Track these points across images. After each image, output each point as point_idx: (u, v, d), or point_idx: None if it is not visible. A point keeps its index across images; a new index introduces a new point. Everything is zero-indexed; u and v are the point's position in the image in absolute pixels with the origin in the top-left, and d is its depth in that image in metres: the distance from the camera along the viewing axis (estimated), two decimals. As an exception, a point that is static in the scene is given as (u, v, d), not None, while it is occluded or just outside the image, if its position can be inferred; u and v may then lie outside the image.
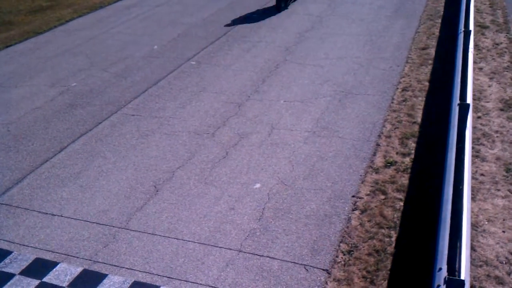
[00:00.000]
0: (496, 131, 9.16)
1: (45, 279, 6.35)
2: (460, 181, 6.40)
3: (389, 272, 6.24)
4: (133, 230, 7.20)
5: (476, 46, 12.89)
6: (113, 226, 7.30)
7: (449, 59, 11.62)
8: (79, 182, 8.40)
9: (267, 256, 6.59)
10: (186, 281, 6.25)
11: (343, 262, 6.43)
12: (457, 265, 5.19)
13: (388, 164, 8.39)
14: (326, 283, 6.13)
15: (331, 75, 11.89)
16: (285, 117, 10.08)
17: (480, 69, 11.78)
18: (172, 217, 7.41)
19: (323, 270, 6.33)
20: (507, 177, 7.89)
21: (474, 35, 12.57)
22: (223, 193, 7.89)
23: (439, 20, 15.44)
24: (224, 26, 15.97)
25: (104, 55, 14.05)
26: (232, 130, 9.68)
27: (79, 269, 6.50)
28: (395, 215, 7.21)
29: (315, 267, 6.37)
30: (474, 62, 11.76)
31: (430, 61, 12.47)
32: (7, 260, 6.71)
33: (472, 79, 9.81)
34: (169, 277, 6.31)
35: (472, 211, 7.01)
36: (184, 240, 6.96)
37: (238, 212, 7.45)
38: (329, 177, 8.15)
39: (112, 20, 17.48)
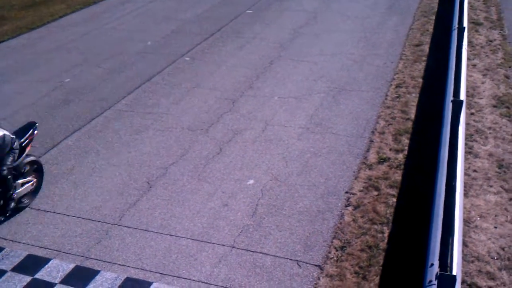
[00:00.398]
0: (489, 128, 9.19)
1: (37, 276, 6.33)
2: (452, 177, 6.42)
3: (381, 267, 6.25)
4: (126, 227, 7.18)
5: (469, 43, 12.91)
6: (106, 223, 7.29)
7: (443, 55, 11.63)
8: (71, 178, 8.37)
9: (260, 252, 6.59)
10: (178, 277, 6.25)
11: (335, 258, 6.44)
12: (449, 261, 5.21)
13: (382, 160, 8.41)
14: (319, 278, 6.14)
15: (325, 72, 11.89)
16: (279, 113, 10.08)
17: (474, 65, 11.81)
18: (165, 213, 7.40)
19: (316, 266, 6.33)
20: (500, 173, 7.92)
21: (468, 32, 12.58)
22: (217, 189, 7.88)
23: (433, 17, 15.46)
24: (218, 22, 15.93)
25: (97, 51, 14.00)
26: (226, 126, 9.67)
27: (72, 266, 6.48)
28: (388, 211, 7.22)
29: (307, 263, 6.38)
30: (468, 59, 11.77)
31: (424, 58, 12.48)
32: (-1, 257, 6.69)
33: (466, 76, 9.83)
34: (161, 273, 6.31)
35: (464, 207, 7.03)
36: (177, 236, 6.95)
37: (232, 208, 7.44)
38: (323, 173, 8.16)
39: (106, 16, 17.42)
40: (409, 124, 9.47)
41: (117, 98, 11.09)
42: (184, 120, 9.98)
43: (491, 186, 7.63)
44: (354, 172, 8.16)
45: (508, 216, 6.99)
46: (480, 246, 6.49)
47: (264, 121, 9.80)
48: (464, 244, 6.44)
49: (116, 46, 14.28)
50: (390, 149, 8.71)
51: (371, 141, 8.99)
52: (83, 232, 7.11)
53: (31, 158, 7.65)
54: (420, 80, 11.30)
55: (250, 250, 6.63)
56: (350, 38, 13.97)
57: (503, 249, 6.44)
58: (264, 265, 6.37)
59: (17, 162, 7.22)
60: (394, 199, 7.47)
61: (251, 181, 8.04)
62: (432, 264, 4.89)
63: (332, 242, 6.72)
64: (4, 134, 6.89)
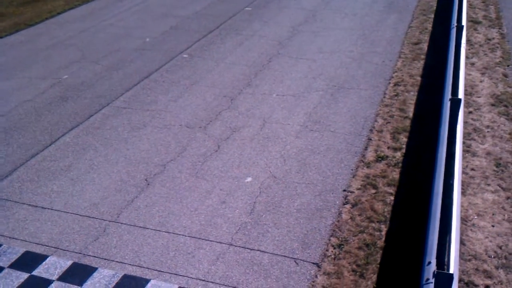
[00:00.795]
0: (487, 126, 9.19)
1: (35, 273, 6.33)
2: (450, 176, 6.43)
3: (379, 265, 6.26)
4: (123, 224, 7.18)
5: (468, 41, 12.92)
6: (104, 220, 7.28)
7: (442, 54, 11.63)
8: (69, 175, 8.37)
9: (258, 250, 6.59)
10: (176, 274, 6.25)
11: (333, 256, 6.45)
12: (446, 259, 5.22)
13: (380, 158, 8.41)
14: (316, 276, 6.14)
15: (323, 69, 11.88)
16: (277, 111, 10.08)
17: (472, 64, 11.81)
18: (163, 211, 7.40)
19: (313, 263, 6.34)
20: (497, 172, 7.93)
21: (466, 30, 12.59)
22: (215, 187, 7.88)
23: (432, 15, 15.46)
24: (217, 19, 15.91)
25: (96, 48, 13.98)
26: (224, 124, 9.67)
27: (69, 263, 6.48)
28: (386, 209, 7.23)
29: (305, 261, 6.38)
30: (466, 57, 11.78)
31: (423, 56, 12.48)
32: (-4, 253, 6.69)
33: (464, 74, 9.83)
34: (159, 271, 6.31)
35: (462, 206, 7.04)
36: (175, 233, 6.95)
37: (229, 206, 7.44)
38: (321, 171, 8.16)
39: (104, 12, 17.38)
40: (407, 123, 9.47)
41: (115, 95, 11.07)
42: (182, 117, 9.97)
43: (488, 185, 7.64)
44: (352, 170, 8.16)
45: (506, 215, 7.00)
46: (478, 245, 6.50)
47: (262, 118, 9.80)
48: (462, 243, 6.45)
49: (114, 43, 14.26)
50: (388, 147, 8.72)
51: (369, 139, 8.99)
52: (80, 229, 7.11)
53: None
54: (419, 78, 11.30)
55: (247, 248, 6.63)
56: (348, 36, 13.97)
57: (500, 247, 6.45)
58: (262, 263, 6.38)
59: None
60: (392, 197, 7.48)
61: (249, 179, 8.04)
62: (430, 262, 4.89)
63: (329, 240, 6.72)
64: None
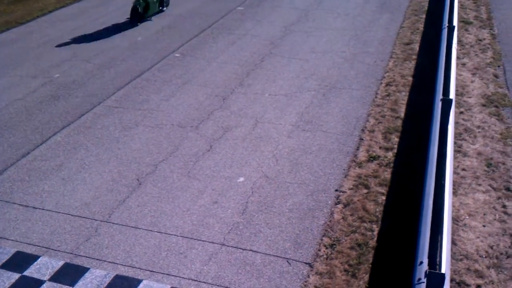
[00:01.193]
0: (478, 127, 9.25)
1: (26, 273, 6.29)
2: (442, 176, 6.47)
3: (371, 265, 6.28)
4: (115, 224, 7.15)
5: (459, 41, 12.98)
6: (95, 220, 7.25)
7: (433, 54, 11.68)
8: (60, 174, 8.32)
9: (250, 250, 6.59)
10: (168, 274, 6.24)
11: (325, 256, 6.46)
12: (438, 259, 5.25)
13: (371, 158, 8.44)
14: (309, 276, 6.16)
15: (316, 69, 11.90)
16: (270, 110, 10.08)
17: (463, 64, 11.87)
18: (155, 211, 7.38)
19: (306, 263, 6.35)
20: (488, 172, 7.98)
21: (457, 30, 12.64)
22: (207, 187, 7.87)
23: (424, 16, 15.52)
24: (209, 18, 15.89)
25: (87, 46, 13.91)
26: (216, 123, 9.66)
27: (61, 263, 6.45)
28: (378, 209, 7.25)
29: (297, 261, 6.39)
30: (458, 58, 11.84)
31: (414, 56, 12.53)
32: (-13, 253, 6.64)
33: (455, 75, 9.88)
34: (151, 271, 6.29)
35: (453, 206, 7.08)
36: (167, 233, 6.93)
37: (222, 206, 7.44)
38: (313, 171, 8.17)
39: (96, 11, 17.29)
40: (399, 123, 9.50)
41: (107, 94, 11.03)
42: (174, 117, 9.95)
43: (479, 185, 7.68)
44: (344, 170, 8.18)
45: (497, 215, 7.05)
46: (469, 245, 6.54)
47: (255, 118, 9.80)
48: (453, 243, 6.49)
49: (106, 42, 14.20)
50: (380, 147, 8.75)
51: (361, 139, 9.02)
52: (72, 229, 7.08)
53: None
54: (410, 78, 11.34)
55: (240, 248, 6.63)
56: (341, 36, 13.99)
57: (491, 247, 6.49)
58: (254, 263, 6.38)
59: None
60: (384, 197, 7.50)
61: (241, 179, 8.04)
62: (421, 262, 4.92)
63: (322, 239, 6.74)
64: None
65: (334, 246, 6.63)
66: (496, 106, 9.91)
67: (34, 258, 6.54)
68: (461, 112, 9.73)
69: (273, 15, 16.01)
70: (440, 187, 6.25)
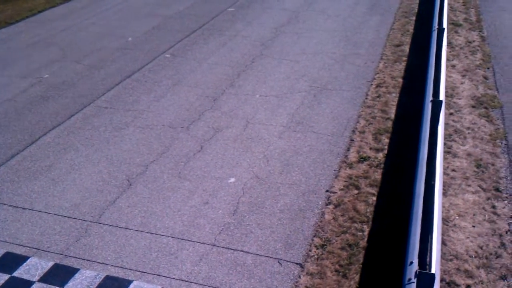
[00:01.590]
0: (468, 128, 9.30)
1: (15, 274, 6.24)
2: (432, 177, 6.49)
3: (361, 266, 6.30)
4: (105, 224, 7.12)
5: (449, 43, 13.06)
6: (85, 220, 7.22)
7: (423, 56, 11.75)
8: (50, 175, 8.27)
9: (241, 250, 6.59)
10: (159, 275, 6.22)
11: (316, 256, 6.47)
12: (428, 259, 5.27)
13: (362, 159, 8.46)
14: (299, 276, 6.16)
15: (306, 71, 11.92)
16: (261, 111, 10.08)
17: (453, 66, 11.94)
18: (145, 211, 7.36)
19: (297, 264, 6.36)
20: (478, 173, 8.03)
21: (447, 32, 12.72)
22: (197, 187, 7.85)
23: (414, 17, 15.60)
24: (200, 19, 15.87)
25: (77, 47, 13.84)
26: (207, 124, 9.64)
27: (50, 264, 6.41)
28: (368, 210, 7.28)
29: (288, 261, 6.40)
30: (447, 60, 11.91)
31: (404, 58, 12.59)
32: (-25, 254, 6.58)
33: (445, 76, 9.93)
34: (142, 272, 6.27)
35: (443, 206, 7.12)
36: (157, 234, 6.91)
37: (212, 207, 7.43)
38: (304, 171, 8.18)
39: (86, 11, 17.22)
40: (389, 124, 9.54)
41: (97, 94, 10.98)
42: (164, 118, 9.92)
43: (469, 186, 7.73)
44: (334, 170, 8.20)
45: (486, 215, 7.09)
46: (459, 245, 6.58)
47: (246, 119, 9.79)
48: (443, 243, 6.52)
49: (96, 42, 14.14)
50: (370, 148, 8.78)
51: (352, 140, 9.04)
52: (62, 230, 7.03)
53: None
54: (400, 80, 11.40)
55: (231, 248, 6.63)
56: (331, 38, 14.03)
57: (481, 247, 6.53)
58: (245, 263, 6.37)
59: None
60: (374, 198, 7.53)
61: (232, 179, 8.03)
62: (412, 262, 4.93)
63: (312, 240, 6.74)
64: None
65: (325, 246, 6.64)
66: (486, 108, 9.98)
67: (24, 259, 6.50)
68: (451, 114, 9.79)
69: (264, 17, 16.03)
70: (430, 188, 6.28)
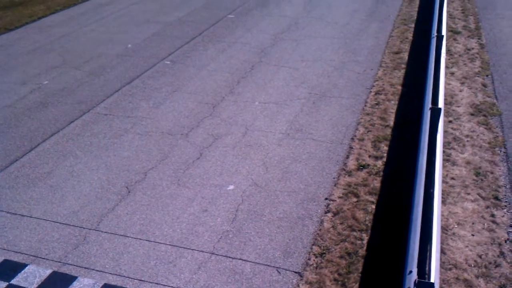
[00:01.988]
0: (467, 136, 9.31)
1: (13, 281, 6.23)
2: (431, 185, 6.48)
3: (360, 274, 6.28)
4: (104, 232, 7.11)
5: (448, 51, 13.09)
6: (84, 228, 7.20)
7: (422, 63, 11.77)
8: (49, 182, 8.26)
9: (240, 259, 6.57)
10: (157, 283, 6.20)
11: (315, 265, 6.45)
12: (427, 268, 5.26)
13: (361, 167, 8.46)
14: (298, 285, 6.14)
15: (305, 78, 11.93)
16: (260, 118, 10.08)
17: (452, 74, 11.96)
18: (144, 219, 7.34)
19: (295, 272, 6.34)
20: (477, 181, 8.02)
21: (446, 40, 12.75)
22: (196, 195, 7.85)
23: (413, 25, 15.64)
24: (200, 26, 15.90)
25: (77, 53, 13.86)
26: (206, 131, 9.64)
27: (48, 271, 6.39)
28: (367, 218, 7.27)
29: (287, 270, 6.38)
30: (446, 67, 11.93)
31: (403, 65, 12.61)
32: (-27, 262, 6.57)
33: (444, 84, 9.95)
34: (140, 280, 6.25)
35: (442, 215, 7.11)
36: (156, 242, 6.90)
37: (211, 214, 7.42)
38: (303, 179, 8.18)
39: (85, 18, 17.26)
40: (388, 131, 9.55)
41: (96, 101, 10.99)
42: (164, 124, 9.93)
43: (468, 194, 7.72)
44: (333, 178, 8.19)
45: (485, 224, 7.09)
46: (458, 254, 6.57)
47: (245, 126, 9.80)
48: (442, 252, 6.51)
49: (96, 49, 14.16)
50: (370, 156, 8.78)
51: (351, 147, 9.04)
52: (60, 237, 7.02)
53: None
54: (399, 87, 11.41)
55: (229, 257, 6.61)
56: (330, 45, 14.06)
57: (480, 256, 6.52)
58: (244, 272, 6.36)
59: None
60: (373, 206, 7.52)
61: (231, 187, 8.02)
62: (411, 271, 4.92)
63: (311, 248, 6.73)
64: None
65: (324, 255, 6.62)
66: (485, 115, 9.99)
67: (22, 266, 6.48)
68: (450, 121, 9.80)
69: (263, 23, 16.06)
70: (429, 196, 6.27)
